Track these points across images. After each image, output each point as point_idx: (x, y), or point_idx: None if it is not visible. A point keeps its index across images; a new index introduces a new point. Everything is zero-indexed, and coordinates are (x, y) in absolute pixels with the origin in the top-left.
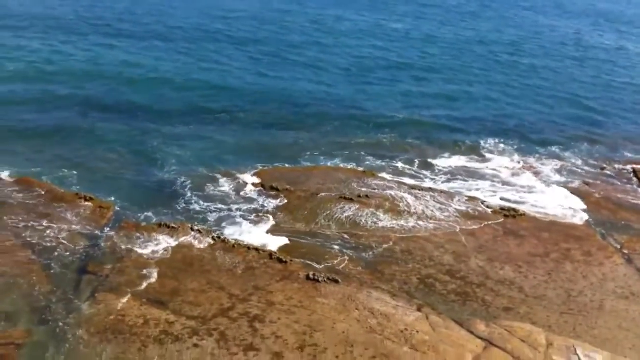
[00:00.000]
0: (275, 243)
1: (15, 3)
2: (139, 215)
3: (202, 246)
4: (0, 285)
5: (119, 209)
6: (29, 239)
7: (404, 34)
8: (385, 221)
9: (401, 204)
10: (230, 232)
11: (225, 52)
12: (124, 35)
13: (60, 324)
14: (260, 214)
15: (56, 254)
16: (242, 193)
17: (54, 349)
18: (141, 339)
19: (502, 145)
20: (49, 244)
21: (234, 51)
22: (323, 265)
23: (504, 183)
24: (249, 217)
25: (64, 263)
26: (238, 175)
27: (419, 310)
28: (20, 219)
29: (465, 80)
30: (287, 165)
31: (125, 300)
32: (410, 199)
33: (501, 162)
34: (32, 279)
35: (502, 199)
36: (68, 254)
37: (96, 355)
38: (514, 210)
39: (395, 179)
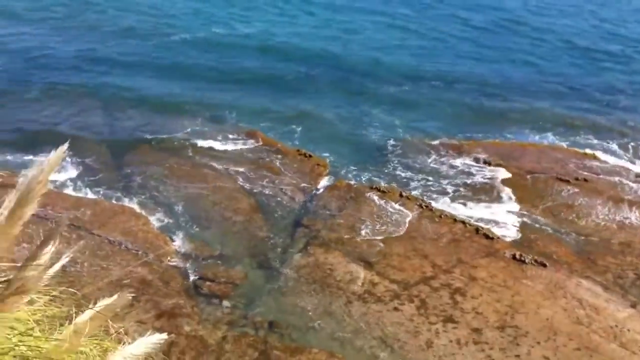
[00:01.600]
0: (483, 218)
1: None
2: (351, 175)
3: (409, 212)
4: (225, 229)
5: (333, 167)
6: (252, 188)
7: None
8: (604, 208)
9: (623, 192)
10: (437, 202)
11: (440, 21)
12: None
13: (274, 270)
14: (469, 187)
15: (276, 204)
16: (450, 164)
17: (266, 292)
18: (346, 295)
19: None
20: (270, 194)
21: (448, 21)
22: (530, 247)
23: None
24: (458, 189)
25: (282, 214)
26: (447, 145)
27: (633, 307)
28: (247, 168)
29: None
30: (498, 139)
31: (334, 255)
32: (634, 186)
33: None
34: (252, 226)
35: None
36: (286, 205)
37: (305, 303)
38: None
39: (619, 164)
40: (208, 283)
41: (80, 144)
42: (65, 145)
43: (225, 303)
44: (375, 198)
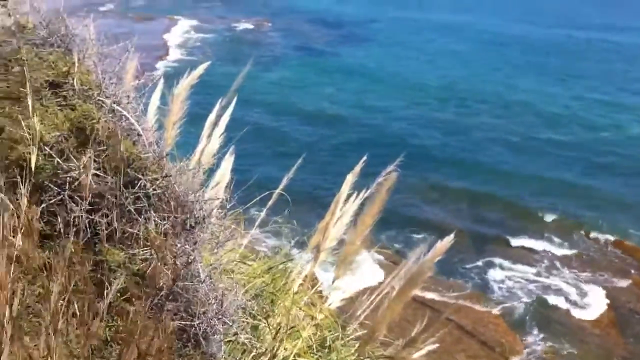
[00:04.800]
0: None
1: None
2: None
3: None
4: (579, 339)
5: None
6: (612, 301)
7: None
8: None
9: None
10: None
11: None
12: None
13: None
14: None
15: (637, 323)
16: None
17: None
18: None
19: None
20: (633, 310)
21: None
22: None
23: None
24: None
25: None
26: None
27: None
28: (611, 276)
29: None
30: None
31: None
32: None
33: None
34: (609, 341)
35: None
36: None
37: None
38: None
39: None
40: None
41: (441, 230)
42: (452, 236)
43: None
44: None
